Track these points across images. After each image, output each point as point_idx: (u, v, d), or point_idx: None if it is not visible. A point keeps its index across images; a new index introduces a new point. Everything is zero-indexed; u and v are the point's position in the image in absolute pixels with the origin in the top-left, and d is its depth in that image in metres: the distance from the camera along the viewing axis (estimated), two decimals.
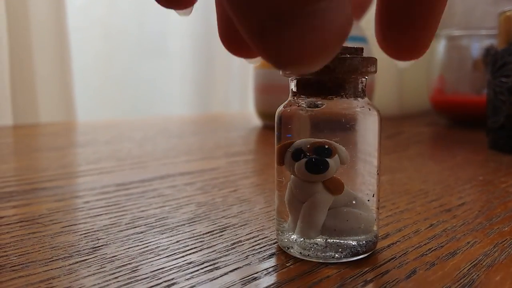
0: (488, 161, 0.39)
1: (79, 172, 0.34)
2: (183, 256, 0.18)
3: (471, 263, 0.17)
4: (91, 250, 0.18)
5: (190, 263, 0.17)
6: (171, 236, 0.20)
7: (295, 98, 0.18)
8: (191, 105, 0.92)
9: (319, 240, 0.17)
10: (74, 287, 0.15)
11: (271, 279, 0.16)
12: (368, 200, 0.18)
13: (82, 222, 0.22)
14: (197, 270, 0.16)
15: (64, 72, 0.72)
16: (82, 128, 0.64)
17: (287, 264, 0.17)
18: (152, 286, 0.15)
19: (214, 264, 0.17)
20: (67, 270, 0.16)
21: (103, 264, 0.17)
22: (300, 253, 0.17)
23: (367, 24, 0.65)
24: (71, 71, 0.72)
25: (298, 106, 0.17)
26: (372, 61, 0.17)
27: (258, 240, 0.19)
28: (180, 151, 0.43)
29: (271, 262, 0.17)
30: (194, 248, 0.18)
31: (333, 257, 0.17)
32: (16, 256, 0.17)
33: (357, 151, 0.17)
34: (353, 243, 0.17)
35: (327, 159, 0.17)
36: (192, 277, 0.16)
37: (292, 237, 0.18)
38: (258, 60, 0.17)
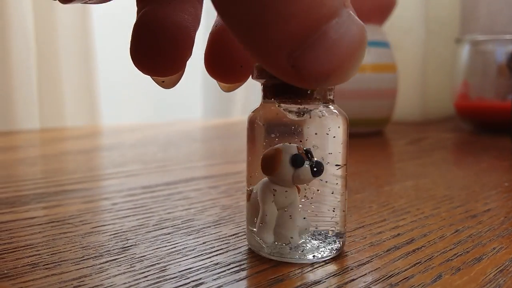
0: None
1: (106, 175, 0.34)
2: (209, 257, 0.18)
3: (497, 269, 0.17)
4: (120, 250, 0.19)
5: (217, 264, 0.17)
6: (198, 238, 0.20)
7: (276, 103, 0.17)
8: (213, 111, 0.93)
9: (303, 241, 0.18)
10: (105, 285, 0.15)
11: (297, 280, 0.16)
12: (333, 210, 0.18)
13: (110, 223, 0.22)
14: (224, 271, 0.17)
15: (90, 77, 0.73)
16: (107, 132, 0.65)
17: (314, 266, 0.17)
18: (181, 286, 0.15)
19: (240, 265, 0.17)
20: (98, 269, 0.17)
21: (132, 264, 0.17)
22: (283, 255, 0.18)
23: (389, 30, 0.65)
24: (96, 77, 0.74)
25: (279, 110, 0.17)
26: None
27: None
28: (203, 155, 0.44)
29: (297, 264, 0.17)
30: (220, 249, 0.19)
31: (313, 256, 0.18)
32: (48, 255, 0.18)
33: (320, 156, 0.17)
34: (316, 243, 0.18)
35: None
36: (219, 277, 0.16)
37: (267, 243, 0.18)
38: (230, 86, 0.19)
